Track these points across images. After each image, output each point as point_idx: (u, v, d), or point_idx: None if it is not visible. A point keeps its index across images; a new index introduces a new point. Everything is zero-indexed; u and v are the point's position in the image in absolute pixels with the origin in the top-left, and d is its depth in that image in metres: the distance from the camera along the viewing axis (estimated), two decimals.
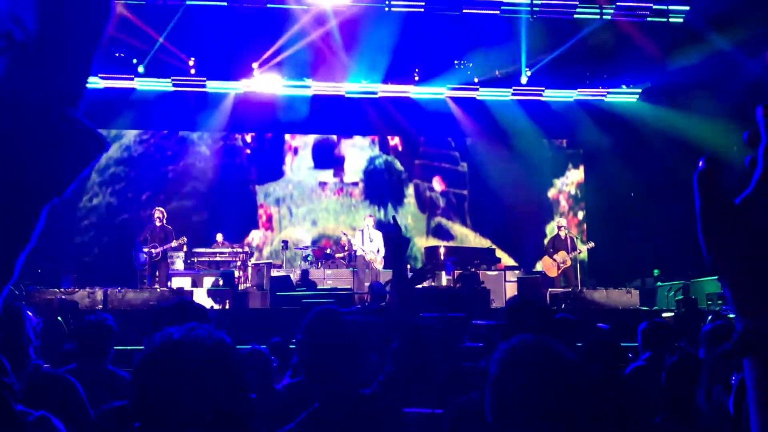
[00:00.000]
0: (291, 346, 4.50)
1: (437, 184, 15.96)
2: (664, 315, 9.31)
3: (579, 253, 12.25)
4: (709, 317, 7.34)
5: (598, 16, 13.61)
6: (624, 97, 15.00)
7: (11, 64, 0.70)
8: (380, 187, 15.78)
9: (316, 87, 14.53)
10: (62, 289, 10.25)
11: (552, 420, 1.48)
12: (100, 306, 9.72)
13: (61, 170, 0.73)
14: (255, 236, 15.32)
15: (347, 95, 14.79)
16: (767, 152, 0.79)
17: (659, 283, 12.18)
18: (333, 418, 2.21)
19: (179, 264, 12.28)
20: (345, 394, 2.26)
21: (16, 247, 0.73)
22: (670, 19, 13.55)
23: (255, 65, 13.98)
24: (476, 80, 14.70)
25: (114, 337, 3.66)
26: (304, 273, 12.07)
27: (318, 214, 15.56)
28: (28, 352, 2.31)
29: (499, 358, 1.57)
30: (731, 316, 7.55)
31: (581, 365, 1.62)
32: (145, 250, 11.40)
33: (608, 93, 15.00)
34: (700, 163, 0.85)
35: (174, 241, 11.44)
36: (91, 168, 0.76)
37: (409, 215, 15.76)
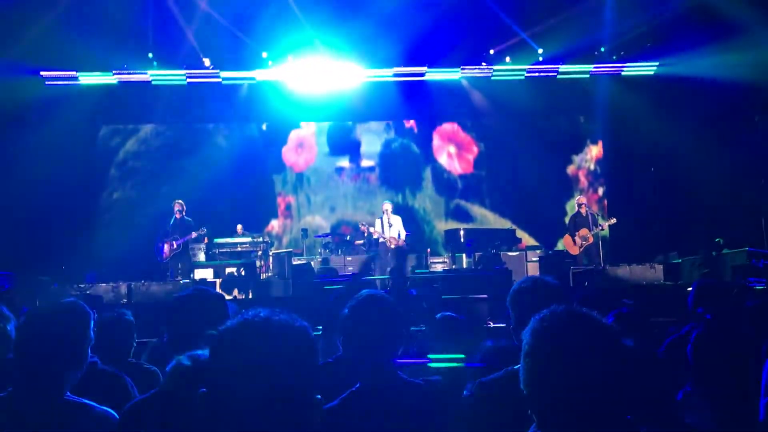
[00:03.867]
0: (316, 333, 4.52)
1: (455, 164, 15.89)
2: (690, 290, 9.19)
3: (601, 229, 12.14)
4: (735, 291, 7.21)
5: None
6: (641, 70, 14.77)
7: None
8: (397, 171, 15.73)
9: (328, 72, 14.45)
10: (86, 284, 10.35)
11: (588, 390, 1.45)
12: (125, 300, 9.81)
13: None
14: (274, 225, 15.37)
15: (362, 80, 14.72)
16: None
17: (684, 258, 12.03)
18: (375, 398, 2.30)
19: (201, 256, 12.37)
20: (387, 375, 2.38)
21: None
22: None
23: (265, 54, 13.98)
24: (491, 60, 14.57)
25: (134, 331, 3.71)
26: (325, 261, 12.11)
27: (336, 201, 15.57)
28: (87, 350, 2.41)
29: (533, 329, 1.55)
30: (759, 288, 7.45)
31: (617, 332, 1.56)
32: (166, 242, 11.49)
33: (625, 66, 14.79)
34: None
35: (194, 232, 11.50)
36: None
37: (427, 198, 15.72)
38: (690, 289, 4.40)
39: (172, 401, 2.06)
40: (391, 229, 11.97)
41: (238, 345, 1.31)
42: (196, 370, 2.00)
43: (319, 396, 1.35)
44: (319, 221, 15.32)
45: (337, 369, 2.76)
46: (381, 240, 12.04)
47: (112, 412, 2.27)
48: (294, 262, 11.82)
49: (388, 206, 12.22)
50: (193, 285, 8.79)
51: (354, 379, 2.39)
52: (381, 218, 12.15)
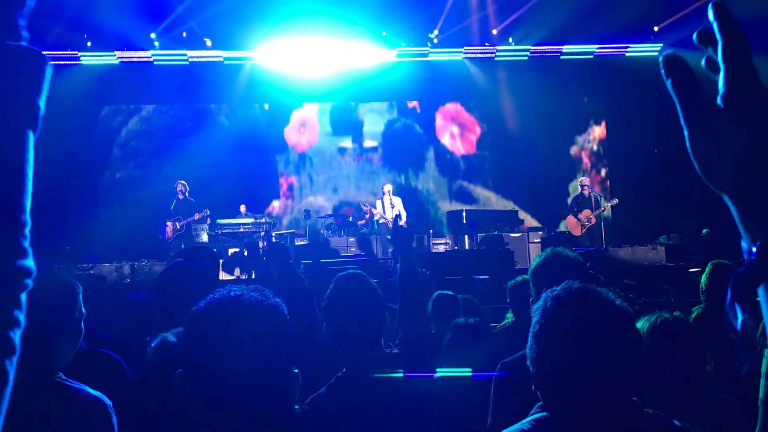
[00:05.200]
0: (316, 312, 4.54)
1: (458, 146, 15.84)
2: (691, 270, 9.21)
3: (603, 210, 12.13)
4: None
5: None
6: (645, 51, 14.66)
7: None
8: (400, 152, 15.69)
9: (331, 53, 14.38)
10: (89, 264, 10.39)
11: (595, 371, 1.41)
12: (128, 280, 9.84)
13: (20, 93, 0.76)
14: (275, 205, 15.36)
15: (365, 60, 14.64)
16: (726, 53, 0.73)
17: (686, 239, 12.01)
18: (362, 381, 2.26)
19: (204, 236, 12.39)
20: (372, 356, 2.33)
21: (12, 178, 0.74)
22: None
23: (267, 34, 13.89)
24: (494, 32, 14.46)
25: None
26: (326, 242, 12.12)
27: (338, 181, 15.54)
28: (80, 325, 2.34)
29: (543, 307, 1.50)
30: None
31: (629, 313, 1.50)
32: (169, 223, 11.50)
33: (629, 47, 14.68)
34: (666, 56, 0.78)
35: (197, 213, 11.51)
36: (44, 85, 0.79)
37: (430, 179, 15.69)
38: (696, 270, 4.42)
39: (157, 380, 1.99)
40: (393, 210, 11.98)
41: (211, 325, 1.30)
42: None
43: (296, 370, 1.34)
44: (322, 202, 15.31)
45: (324, 353, 2.72)
46: (382, 221, 12.05)
47: (103, 396, 2.19)
48: (296, 243, 11.84)
49: (389, 187, 12.22)
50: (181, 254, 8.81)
51: (340, 363, 2.34)
52: (382, 199, 12.15)
